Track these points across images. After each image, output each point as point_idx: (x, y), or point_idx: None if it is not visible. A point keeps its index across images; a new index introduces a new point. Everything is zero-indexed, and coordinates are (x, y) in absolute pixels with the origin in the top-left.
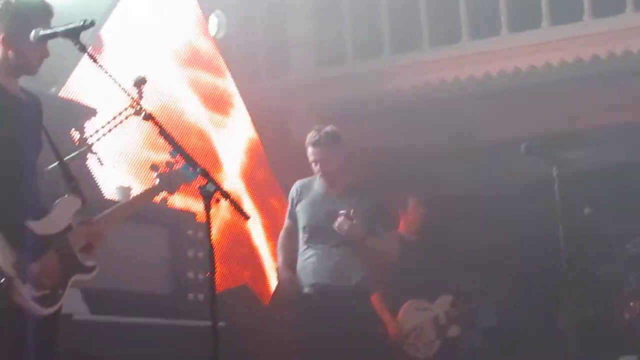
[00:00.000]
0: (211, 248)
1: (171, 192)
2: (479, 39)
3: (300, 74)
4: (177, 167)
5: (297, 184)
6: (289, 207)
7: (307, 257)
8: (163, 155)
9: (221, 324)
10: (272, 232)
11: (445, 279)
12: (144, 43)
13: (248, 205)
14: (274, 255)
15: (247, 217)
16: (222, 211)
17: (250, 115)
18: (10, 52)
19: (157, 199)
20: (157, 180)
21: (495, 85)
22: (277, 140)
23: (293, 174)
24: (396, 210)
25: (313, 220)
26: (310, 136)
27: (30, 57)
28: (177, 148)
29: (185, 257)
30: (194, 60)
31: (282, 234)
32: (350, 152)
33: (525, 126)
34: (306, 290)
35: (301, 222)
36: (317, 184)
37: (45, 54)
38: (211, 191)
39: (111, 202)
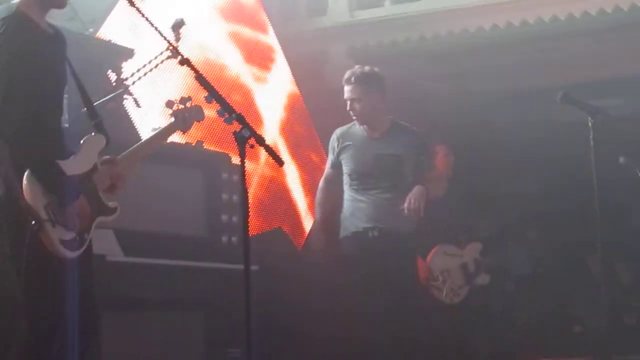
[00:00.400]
0: (245, 191)
1: (184, 130)
2: None
3: (338, 17)
4: (191, 104)
5: (338, 132)
6: (330, 156)
7: (357, 203)
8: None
9: (254, 267)
10: (310, 187)
11: (477, 226)
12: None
13: (288, 160)
14: (312, 209)
15: (281, 163)
16: (260, 167)
17: (287, 59)
18: None
19: (191, 140)
20: (172, 118)
21: (532, 32)
22: (314, 85)
23: (330, 119)
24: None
25: (360, 167)
26: (346, 74)
27: None
28: (213, 93)
29: (219, 199)
30: (236, 14)
31: (321, 184)
32: (389, 95)
33: (564, 73)
34: (362, 230)
35: (347, 169)
36: (358, 129)
37: None
38: (246, 136)
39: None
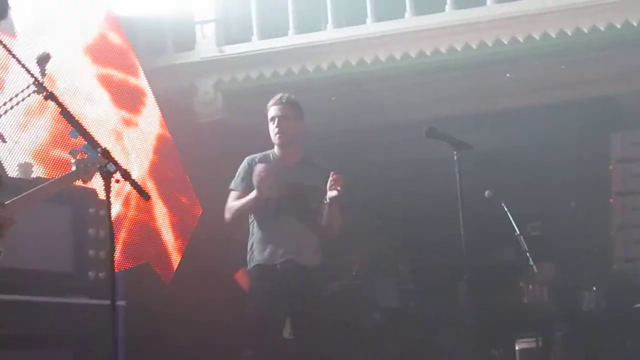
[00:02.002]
0: (111, 226)
1: (85, 180)
2: (384, 20)
3: (206, 52)
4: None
5: (248, 159)
6: (237, 180)
7: (269, 229)
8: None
9: (121, 302)
10: (180, 229)
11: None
12: (56, 34)
13: (158, 205)
14: (181, 251)
15: (146, 197)
16: (131, 211)
17: (155, 93)
18: None
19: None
20: (74, 167)
21: (403, 67)
22: (183, 119)
23: (197, 153)
24: None
25: (274, 193)
26: (276, 96)
27: None
28: (78, 128)
29: (86, 234)
30: (106, 57)
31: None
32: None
33: (431, 107)
34: (278, 265)
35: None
36: (271, 157)
37: None
38: (111, 171)
39: (15, 180)
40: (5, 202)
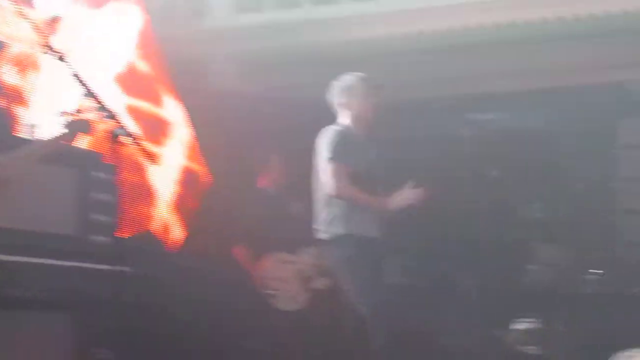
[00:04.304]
0: (117, 190)
1: (69, 142)
2: None
3: (220, 20)
4: (84, 114)
5: (339, 130)
6: (338, 151)
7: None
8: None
9: (126, 268)
10: (188, 200)
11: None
12: (90, 59)
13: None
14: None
15: (153, 160)
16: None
17: (168, 61)
18: None
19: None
20: (64, 127)
21: (410, 45)
22: (195, 88)
23: (208, 120)
24: (258, 165)
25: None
26: (357, 75)
27: None
28: (88, 91)
29: (91, 198)
30: (132, 85)
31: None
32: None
33: (441, 86)
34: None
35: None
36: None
37: None
38: (119, 134)
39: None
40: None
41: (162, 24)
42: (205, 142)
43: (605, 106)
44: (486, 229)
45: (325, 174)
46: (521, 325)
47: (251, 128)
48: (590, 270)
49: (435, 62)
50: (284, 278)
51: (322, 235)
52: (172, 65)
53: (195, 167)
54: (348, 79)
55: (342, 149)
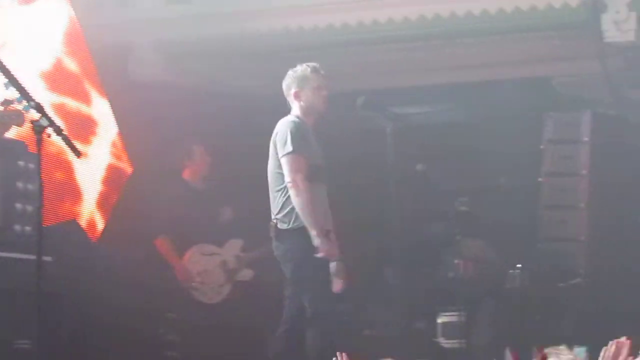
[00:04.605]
0: (41, 180)
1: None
2: None
3: (148, 9)
4: (12, 106)
5: (295, 121)
6: (297, 142)
7: (313, 194)
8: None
9: (48, 257)
10: (108, 189)
11: (237, 225)
12: (13, 54)
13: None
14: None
15: (79, 154)
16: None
17: (92, 50)
18: None
19: None
20: None
21: (342, 36)
22: (120, 77)
23: (132, 111)
24: (181, 157)
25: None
26: (316, 67)
27: None
28: (12, 80)
29: (14, 188)
30: (61, 83)
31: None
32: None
33: (364, 79)
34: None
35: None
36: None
37: None
38: (43, 125)
39: None
40: None
41: (90, 14)
42: (130, 133)
43: (529, 101)
44: (411, 222)
45: (286, 166)
46: (444, 318)
47: (176, 119)
48: (517, 265)
49: (358, 54)
50: (207, 270)
51: (281, 225)
52: (98, 55)
53: (119, 159)
54: (301, 69)
55: (302, 141)
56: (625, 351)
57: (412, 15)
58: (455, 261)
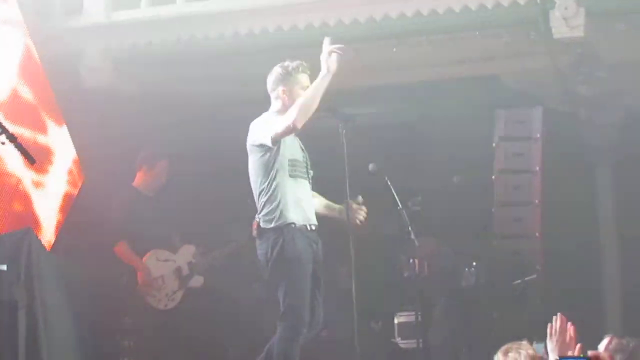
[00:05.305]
0: None
1: None
2: None
3: (94, 17)
4: None
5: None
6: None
7: (294, 190)
8: None
9: (2, 266)
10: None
11: (190, 231)
12: None
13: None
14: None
15: (32, 161)
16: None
17: (42, 57)
18: None
19: None
20: None
21: (287, 39)
22: (69, 84)
23: (83, 118)
24: (139, 165)
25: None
26: (301, 65)
27: None
28: None
29: None
30: (17, 113)
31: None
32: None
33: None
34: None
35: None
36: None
37: None
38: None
39: None
40: None
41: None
42: (82, 142)
43: (480, 99)
44: (364, 221)
45: (278, 128)
46: (401, 318)
47: (127, 126)
48: (472, 263)
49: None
50: (163, 276)
51: (264, 224)
52: (48, 64)
53: (75, 187)
54: (292, 68)
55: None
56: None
57: (361, 16)
58: (410, 260)
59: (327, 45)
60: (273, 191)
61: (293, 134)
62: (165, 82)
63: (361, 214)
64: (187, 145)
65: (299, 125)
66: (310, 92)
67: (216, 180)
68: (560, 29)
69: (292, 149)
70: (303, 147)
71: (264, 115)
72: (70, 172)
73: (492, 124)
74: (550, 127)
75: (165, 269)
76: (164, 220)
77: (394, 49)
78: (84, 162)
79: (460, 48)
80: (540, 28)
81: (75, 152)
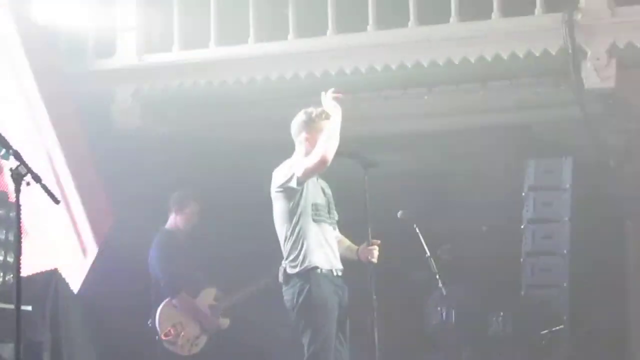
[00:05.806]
0: (19, 230)
1: None
2: (306, 37)
3: (126, 60)
4: None
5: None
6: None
7: (318, 233)
8: None
9: (27, 307)
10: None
11: (210, 274)
12: None
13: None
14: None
15: (57, 201)
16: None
17: (75, 99)
18: None
19: None
20: None
21: (315, 85)
22: (100, 126)
23: (115, 160)
24: (171, 207)
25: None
26: (325, 113)
27: None
28: None
29: None
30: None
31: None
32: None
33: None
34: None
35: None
36: None
37: None
38: (22, 173)
39: None
40: None
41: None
42: (113, 183)
43: (510, 148)
44: (393, 269)
45: (305, 166)
46: None
47: (157, 168)
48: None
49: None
50: (181, 322)
51: (290, 270)
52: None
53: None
54: (316, 114)
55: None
56: None
57: (393, 63)
58: (438, 308)
59: (329, 94)
60: (297, 236)
61: (316, 178)
62: (196, 125)
63: (374, 253)
64: (215, 188)
65: (329, 158)
66: (331, 127)
67: (242, 226)
68: (591, 80)
69: (315, 193)
70: (325, 192)
71: (287, 161)
72: (99, 213)
73: (522, 173)
74: (580, 177)
75: (184, 314)
76: (194, 263)
77: (425, 97)
78: (114, 203)
79: (492, 97)
80: (572, 78)
81: (104, 193)
